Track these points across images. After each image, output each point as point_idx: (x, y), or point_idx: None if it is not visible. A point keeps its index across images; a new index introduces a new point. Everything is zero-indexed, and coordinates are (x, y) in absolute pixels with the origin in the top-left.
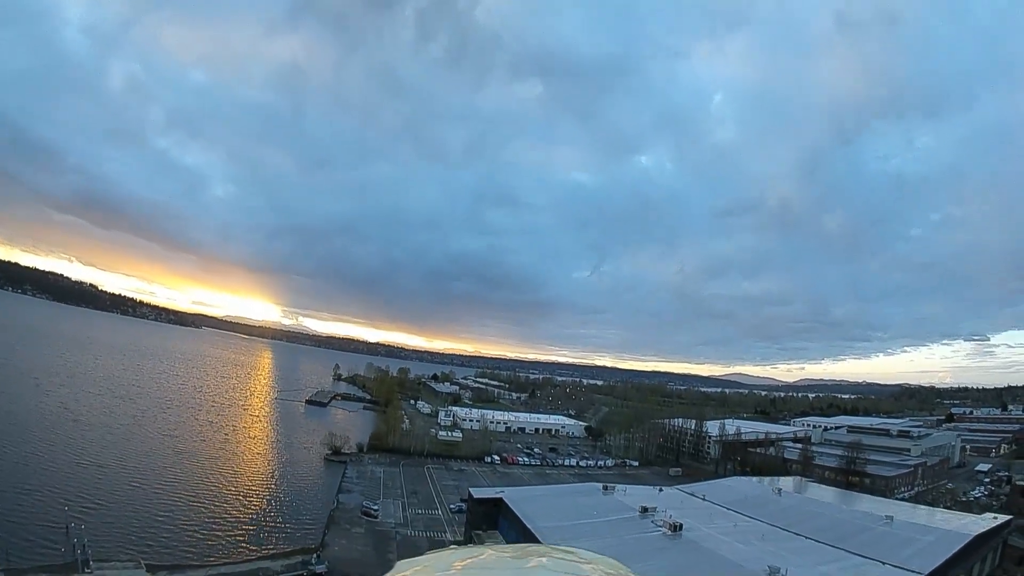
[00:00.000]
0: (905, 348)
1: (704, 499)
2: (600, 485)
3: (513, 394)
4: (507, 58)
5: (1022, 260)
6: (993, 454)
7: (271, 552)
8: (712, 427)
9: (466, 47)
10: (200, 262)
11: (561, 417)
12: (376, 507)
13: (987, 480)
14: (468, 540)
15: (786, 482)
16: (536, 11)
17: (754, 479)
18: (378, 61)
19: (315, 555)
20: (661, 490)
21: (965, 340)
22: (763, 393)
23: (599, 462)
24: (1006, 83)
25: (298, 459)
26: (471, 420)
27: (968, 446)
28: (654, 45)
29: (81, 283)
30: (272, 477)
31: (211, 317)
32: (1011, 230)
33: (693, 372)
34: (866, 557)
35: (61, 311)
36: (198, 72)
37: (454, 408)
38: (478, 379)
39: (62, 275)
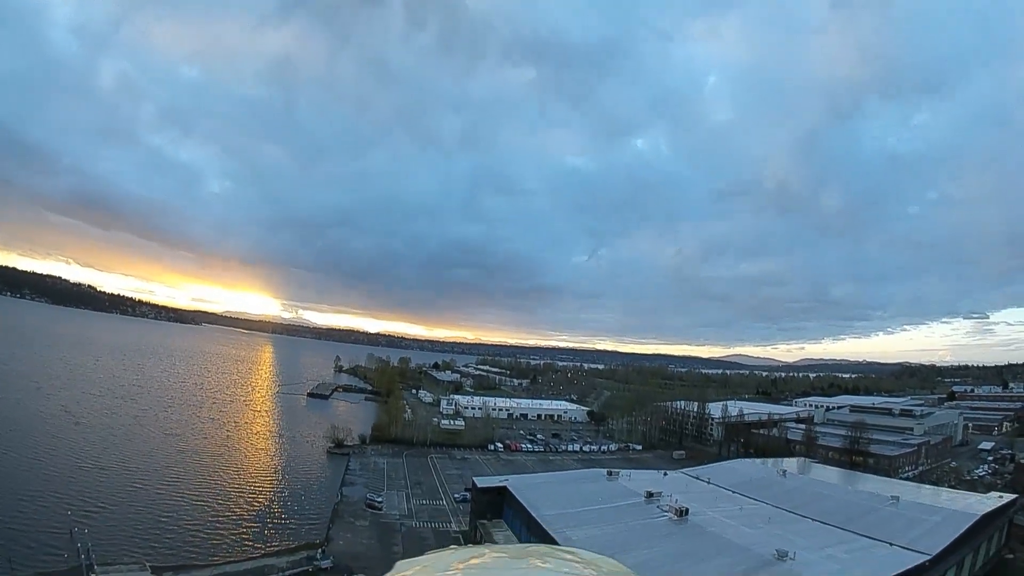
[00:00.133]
0: (905, 327)
1: (709, 482)
2: (604, 471)
3: (514, 380)
4: (499, 44)
5: (1020, 238)
6: (995, 432)
7: (276, 548)
8: (714, 409)
9: (457, 34)
10: (198, 259)
11: (563, 402)
12: (380, 499)
13: (990, 458)
14: (473, 530)
15: (790, 463)
16: None
17: (758, 461)
18: (369, 51)
19: (320, 550)
20: (666, 474)
21: (964, 318)
22: (764, 374)
23: (602, 447)
24: (1001, 60)
25: (301, 453)
26: (473, 408)
27: (970, 424)
28: (646, 27)
29: (79, 285)
30: (275, 472)
31: (211, 313)
32: (1009, 208)
33: (694, 354)
34: (873, 538)
35: (60, 314)
36: (190, 68)
37: (456, 396)
38: (479, 366)
39: (60, 277)
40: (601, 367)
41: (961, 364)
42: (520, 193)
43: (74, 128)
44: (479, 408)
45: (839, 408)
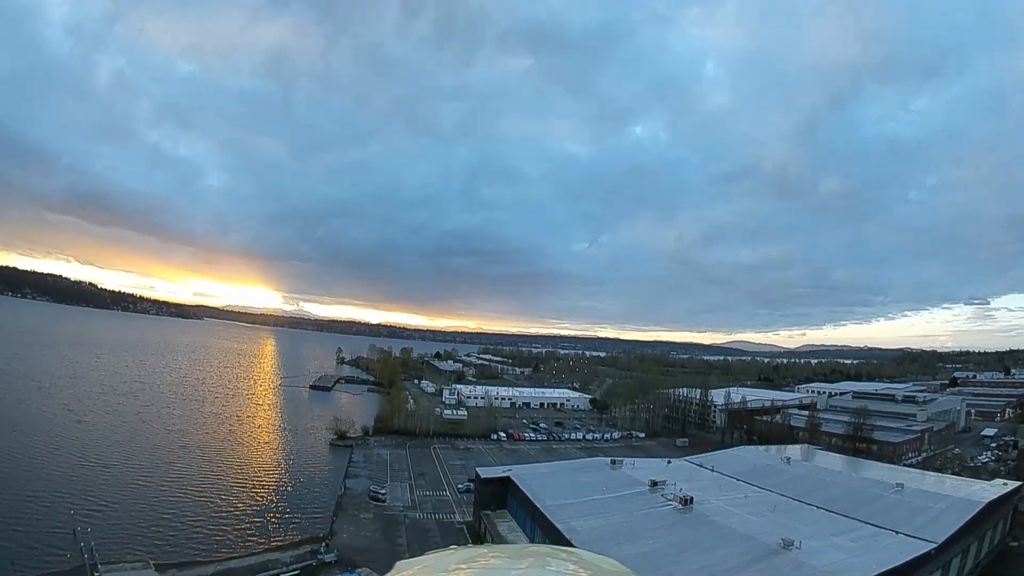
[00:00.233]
0: (906, 312)
1: (713, 470)
2: (608, 460)
3: (517, 369)
4: (495, 32)
5: (1021, 223)
6: (998, 418)
7: (280, 543)
8: (717, 396)
9: (453, 23)
10: (199, 253)
11: (565, 391)
12: (384, 491)
13: (993, 445)
14: (477, 521)
15: (794, 450)
16: None
17: (761, 448)
18: (366, 42)
19: (324, 544)
20: (669, 462)
21: (965, 304)
22: (766, 360)
23: (605, 435)
24: (1001, 45)
25: (304, 446)
26: (476, 397)
27: (973, 411)
28: (643, 12)
29: (80, 283)
30: (278, 466)
31: (212, 308)
32: (1009, 193)
33: (695, 340)
34: (879, 527)
35: (62, 312)
36: (185, 63)
37: (458, 386)
38: (481, 355)
39: (61, 276)
40: (603, 355)
41: (962, 350)
42: (519, 181)
43: (72, 127)
44: (481, 397)
45: (841, 394)
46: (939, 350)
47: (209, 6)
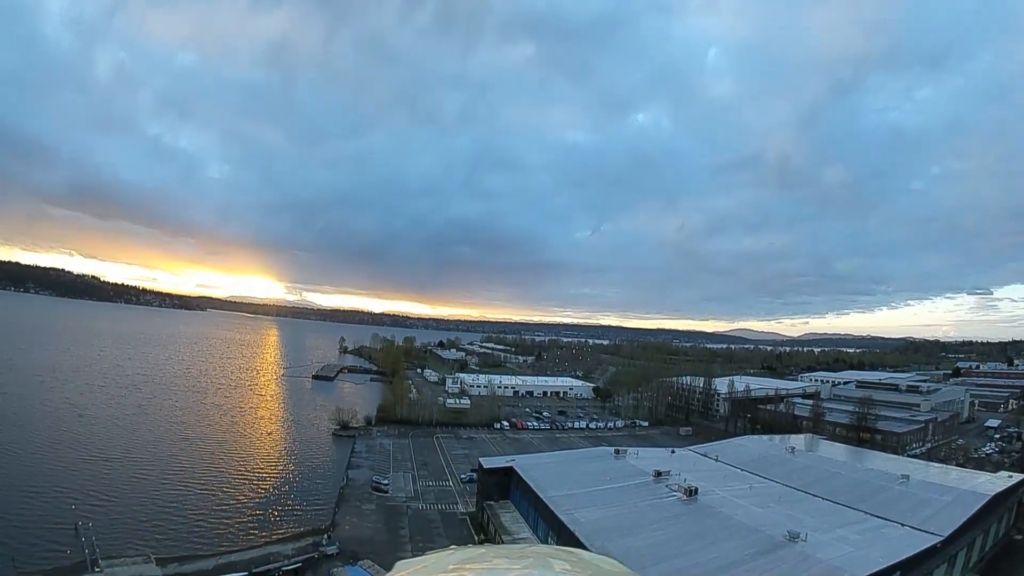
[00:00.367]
0: (908, 302)
1: (717, 460)
2: (612, 449)
3: (520, 357)
4: (497, 21)
5: None
6: (1002, 410)
7: (281, 535)
8: (720, 384)
9: (454, 11)
10: (201, 245)
11: (568, 379)
12: (386, 481)
13: (997, 436)
14: (480, 512)
15: (798, 440)
16: None
17: (765, 438)
18: (367, 31)
19: (326, 536)
20: (673, 452)
21: (968, 294)
22: (768, 348)
23: (609, 423)
24: (1006, 35)
25: (306, 436)
26: (479, 386)
27: (976, 401)
28: (645, 0)
29: (83, 276)
30: (280, 457)
31: (215, 299)
32: (1013, 182)
33: (698, 328)
34: (885, 519)
35: (65, 306)
36: (186, 54)
37: (461, 375)
38: (484, 344)
39: (63, 270)
40: (606, 343)
41: (965, 340)
42: (521, 170)
43: (73, 120)
44: (484, 386)
45: (845, 383)
46: (942, 340)
47: None
